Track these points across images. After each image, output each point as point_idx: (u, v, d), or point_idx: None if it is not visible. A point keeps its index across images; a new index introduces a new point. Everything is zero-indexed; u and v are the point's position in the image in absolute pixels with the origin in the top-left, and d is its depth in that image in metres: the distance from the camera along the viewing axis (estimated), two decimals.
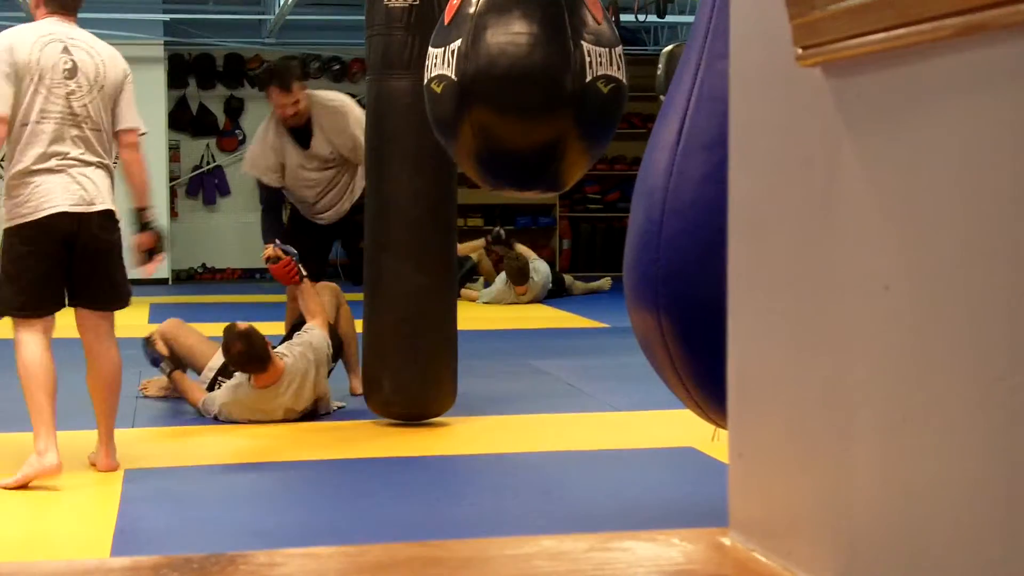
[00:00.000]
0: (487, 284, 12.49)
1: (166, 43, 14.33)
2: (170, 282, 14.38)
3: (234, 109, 15.35)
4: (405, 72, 5.55)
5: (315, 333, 6.24)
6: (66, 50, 4.92)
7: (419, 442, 5.64)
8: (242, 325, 6.01)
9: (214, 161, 15.36)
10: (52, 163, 4.83)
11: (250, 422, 6.03)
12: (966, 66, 1.08)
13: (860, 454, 1.25)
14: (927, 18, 1.10)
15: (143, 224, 5.18)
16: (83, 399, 5.10)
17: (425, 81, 4.42)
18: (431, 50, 4.39)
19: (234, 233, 15.20)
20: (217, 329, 6.51)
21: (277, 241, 6.52)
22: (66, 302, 5.02)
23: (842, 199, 1.28)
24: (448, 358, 5.87)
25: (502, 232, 12.61)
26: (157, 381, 6.69)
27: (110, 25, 12.79)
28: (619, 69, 4.41)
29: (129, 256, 5.14)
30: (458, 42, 4.23)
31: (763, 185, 1.46)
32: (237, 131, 15.41)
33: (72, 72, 4.90)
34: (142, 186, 5.16)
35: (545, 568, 1.39)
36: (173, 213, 14.77)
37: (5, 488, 4.74)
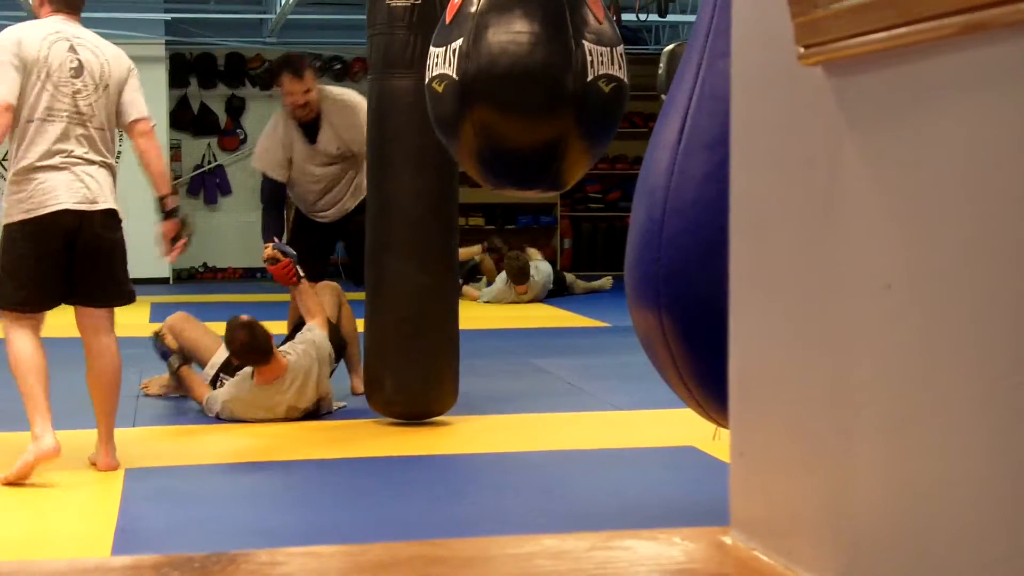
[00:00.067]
0: (489, 284, 12.49)
1: (167, 42, 14.33)
2: (171, 281, 14.38)
3: (235, 108, 15.35)
4: (407, 71, 5.54)
5: (317, 332, 6.25)
6: (72, 49, 4.94)
7: (420, 441, 5.64)
8: (245, 317, 6.03)
9: (215, 160, 15.36)
10: (56, 160, 4.84)
11: (252, 421, 6.02)
12: (968, 65, 1.08)
13: (862, 453, 1.25)
14: (929, 17, 1.10)
15: (166, 212, 5.19)
16: (83, 398, 5.10)
17: (426, 80, 4.42)
18: (432, 49, 4.39)
19: (235, 232, 15.20)
20: (219, 328, 6.52)
21: (276, 241, 6.53)
22: (65, 300, 5.02)
23: (844, 198, 1.28)
24: (450, 357, 5.87)
25: (497, 240, 12.64)
26: (159, 379, 6.70)
27: (111, 24, 12.79)
28: (620, 68, 4.41)
29: (152, 247, 5.19)
30: (459, 41, 4.23)
31: (765, 184, 1.46)
32: (238, 130, 15.41)
33: (78, 71, 4.91)
34: (160, 173, 5.18)
35: (547, 567, 1.39)
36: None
37: (7, 482, 4.74)
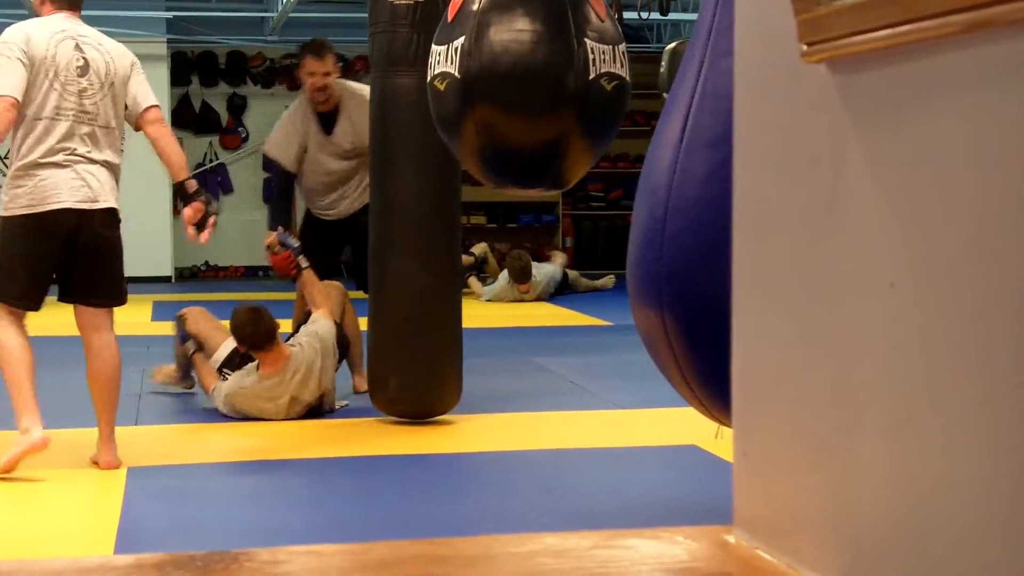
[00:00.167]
0: (492, 282, 12.51)
1: (169, 40, 14.33)
2: (173, 280, 14.38)
3: (237, 107, 15.35)
4: (410, 69, 5.53)
5: (322, 324, 6.25)
6: (78, 47, 4.95)
7: (422, 440, 5.64)
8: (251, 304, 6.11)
9: (217, 159, 15.36)
10: (59, 157, 4.85)
11: (254, 419, 6.02)
12: (971, 62, 1.08)
13: (865, 452, 1.25)
14: (932, 14, 1.09)
15: (188, 197, 5.16)
16: (84, 396, 5.10)
17: (428, 79, 4.42)
18: (434, 47, 4.39)
19: (237, 231, 15.20)
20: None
21: (280, 230, 6.54)
22: (64, 298, 5.03)
23: (847, 196, 1.27)
24: (453, 356, 5.86)
25: (477, 257, 12.67)
26: (167, 369, 6.71)
27: (113, 22, 12.78)
28: (622, 66, 4.41)
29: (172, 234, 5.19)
30: (461, 39, 4.23)
31: (768, 182, 1.45)
32: (240, 129, 15.41)
33: (84, 69, 4.92)
34: (177, 159, 5.15)
35: (549, 566, 1.39)
36: (176, 211, 14.76)
37: None
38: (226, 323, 6.37)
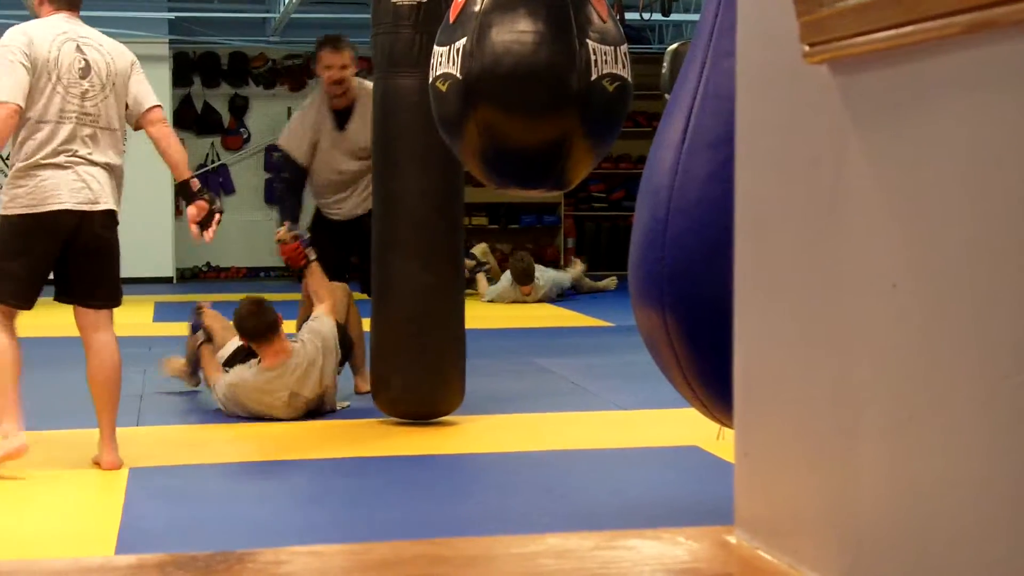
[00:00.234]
0: (494, 282, 12.51)
1: (170, 41, 14.33)
2: (174, 280, 14.38)
3: (239, 108, 15.35)
4: (412, 70, 5.53)
5: (324, 321, 6.26)
6: (79, 49, 4.95)
7: (424, 441, 5.64)
8: (255, 296, 6.18)
9: (219, 160, 15.37)
10: (61, 159, 4.86)
11: (252, 417, 6.02)
12: (974, 63, 1.08)
13: (866, 453, 1.25)
14: (934, 15, 1.09)
15: (191, 196, 5.18)
16: (85, 397, 5.10)
17: (430, 79, 4.42)
18: (436, 48, 4.39)
19: (238, 232, 15.20)
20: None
21: (289, 223, 6.57)
22: (61, 299, 5.04)
23: (849, 197, 1.28)
24: (456, 357, 5.86)
25: (477, 258, 12.66)
26: (177, 361, 6.72)
27: (114, 23, 12.78)
28: (624, 67, 4.41)
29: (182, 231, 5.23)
30: (463, 40, 4.23)
31: (769, 183, 1.46)
32: (242, 129, 15.41)
33: (86, 71, 4.93)
34: (180, 158, 5.17)
35: (550, 566, 1.39)
36: (177, 211, 14.77)
37: None
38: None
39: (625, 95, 4.45)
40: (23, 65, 4.82)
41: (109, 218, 4.96)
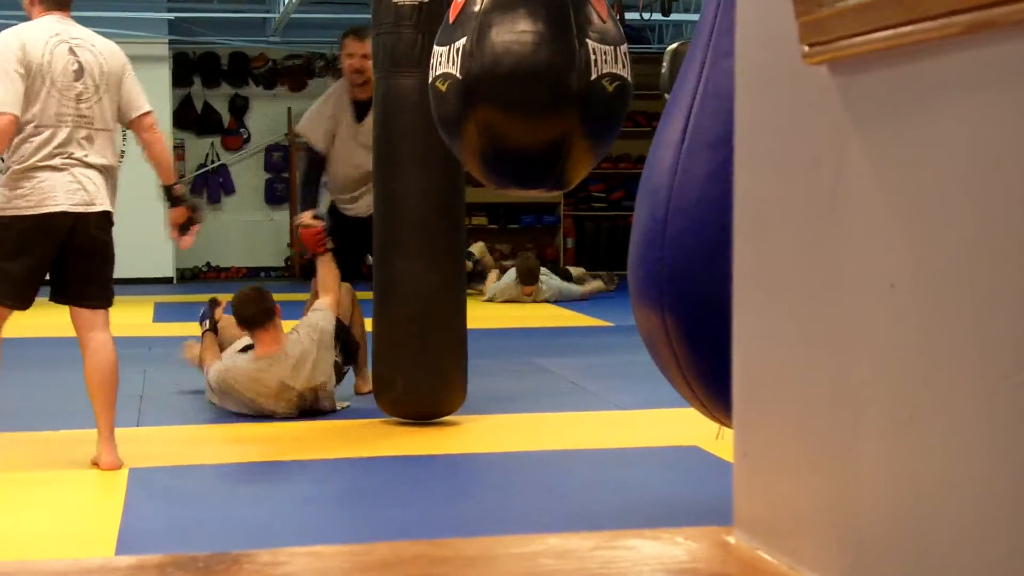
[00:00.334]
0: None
1: (171, 41, 14.34)
2: (174, 281, 14.38)
3: (239, 108, 15.36)
4: (414, 70, 5.53)
5: (323, 315, 6.27)
6: (72, 51, 4.95)
7: (424, 441, 5.64)
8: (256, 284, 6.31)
9: (219, 160, 15.37)
10: (56, 161, 4.86)
11: (252, 417, 6.03)
12: (974, 63, 1.08)
13: (866, 453, 1.25)
14: (935, 15, 1.09)
15: (173, 200, 5.24)
16: (84, 397, 5.10)
17: (430, 80, 4.42)
18: (436, 48, 4.39)
19: (239, 232, 15.21)
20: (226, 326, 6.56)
21: (312, 212, 6.59)
22: (56, 299, 5.06)
23: (848, 197, 1.28)
24: (458, 356, 5.87)
25: (475, 257, 12.66)
26: (196, 351, 6.73)
27: (114, 24, 12.79)
28: (624, 67, 4.41)
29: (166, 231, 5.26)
30: (463, 40, 4.23)
31: (769, 183, 1.46)
32: (242, 130, 15.42)
33: (79, 73, 4.93)
34: (167, 163, 5.27)
35: (550, 566, 1.39)
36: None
37: None
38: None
39: (625, 95, 4.45)
40: (17, 73, 4.83)
41: (104, 219, 4.98)
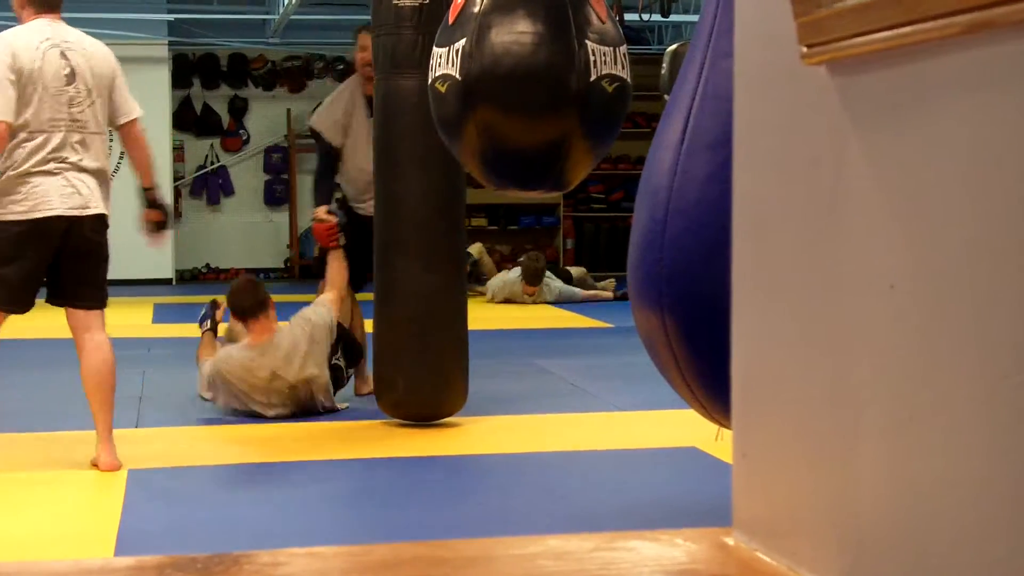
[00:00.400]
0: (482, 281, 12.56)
1: (170, 43, 14.34)
2: (174, 282, 14.38)
3: (238, 109, 15.36)
4: (414, 71, 5.52)
5: (318, 310, 6.28)
6: (63, 55, 4.96)
7: (424, 442, 5.64)
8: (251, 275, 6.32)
9: (218, 161, 15.37)
10: (51, 166, 4.89)
11: (245, 415, 6.02)
12: (973, 64, 1.08)
13: (865, 453, 1.25)
14: (933, 16, 1.09)
15: (150, 202, 5.26)
16: (84, 398, 5.10)
17: (429, 81, 4.42)
18: (435, 50, 4.39)
19: (238, 233, 15.21)
20: (220, 329, 6.55)
21: (327, 207, 6.59)
22: (51, 301, 5.07)
23: (848, 198, 1.27)
24: (459, 358, 5.86)
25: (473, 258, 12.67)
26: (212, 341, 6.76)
27: (114, 25, 12.79)
28: (623, 68, 4.41)
29: (138, 227, 5.28)
30: (462, 42, 4.23)
31: (768, 184, 1.46)
32: (241, 131, 15.42)
33: (71, 78, 4.94)
34: (148, 168, 5.27)
35: (550, 568, 1.38)
36: (177, 213, 14.78)
37: None
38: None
39: (624, 96, 4.45)
40: (9, 80, 4.83)
41: (99, 222, 5.00)
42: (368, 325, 6.37)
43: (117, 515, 4.42)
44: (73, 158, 4.92)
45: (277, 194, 15.47)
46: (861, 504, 1.26)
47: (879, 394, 1.22)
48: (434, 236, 5.75)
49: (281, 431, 5.89)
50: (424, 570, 1.38)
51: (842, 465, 1.29)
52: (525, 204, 15.12)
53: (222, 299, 6.60)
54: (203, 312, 6.61)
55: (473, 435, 5.81)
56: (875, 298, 1.22)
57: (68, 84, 4.93)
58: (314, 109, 7.26)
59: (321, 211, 6.54)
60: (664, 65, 5.31)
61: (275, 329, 6.14)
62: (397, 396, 5.80)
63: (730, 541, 1.48)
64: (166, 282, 14.10)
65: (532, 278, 11.80)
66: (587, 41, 4.28)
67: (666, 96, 3.71)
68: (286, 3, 13.00)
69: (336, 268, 6.47)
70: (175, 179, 14.69)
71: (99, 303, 5.06)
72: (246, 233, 15.16)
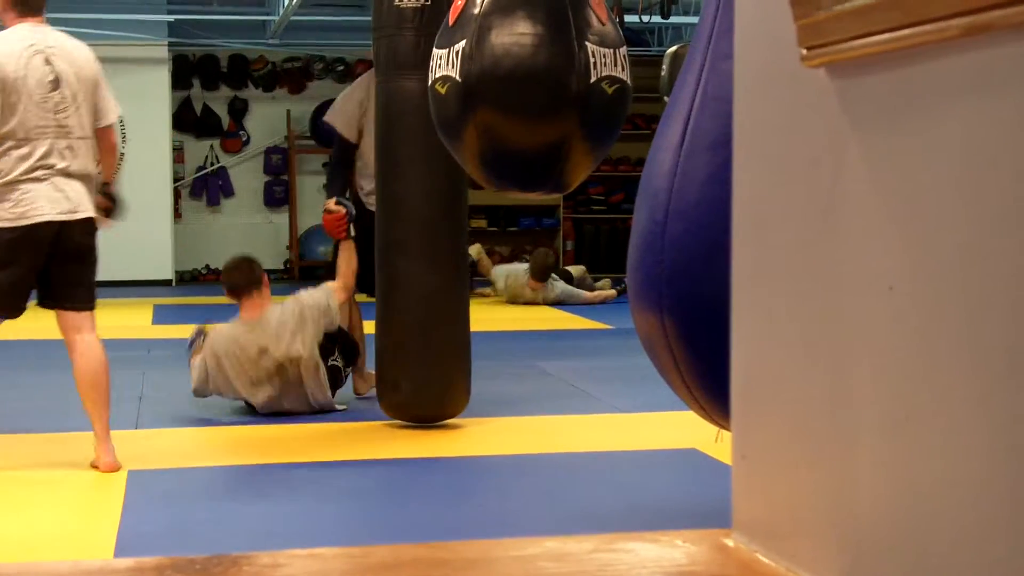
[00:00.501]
0: (486, 284, 12.54)
1: (170, 44, 14.33)
2: (174, 283, 14.38)
3: (238, 110, 15.35)
4: (416, 73, 5.51)
5: (317, 293, 6.30)
6: (47, 61, 4.96)
7: (423, 444, 5.64)
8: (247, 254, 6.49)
9: (218, 162, 15.37)
10: (38, 173, 4.91)
11: (245, 415, 6.03)
12: (971, 66, 1.08)
13: (864, 454, 1.25)
14: (932, 19, 1.10)
15: (106, 194, 5.28)
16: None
17: (429, 82, 4.42)
18: (435, 51, 4.39)
19: (238, 234, 15.20)
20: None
21: (336, 199, 6.60)
22: (42, 304, 5.08)
23: (846, 199, 1.28)
24: (461, 359, 5.86)
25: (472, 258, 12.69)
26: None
27: (114, 26, 12.79)
28: (623, 70, 4.41)
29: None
30: (462, 43, 4.23)
31: (767, 185, 1.46)
32: (241, 132, 15.42)
33: (56, 83, 4.95)
34: (112, 168, 5.31)
35: (549, 569, 1.39)
36: (177, 214, 14.78)
37: None
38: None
39: (624, 97, 4.45)
40: None
41: (88, 225, 5.03)
42: (369, 326, 6.37)
43: (117, 516, 4.43)
44: (60, 164, 4.94)
45: (277, 195, 15.47)
46: (860, 505, 1.26)
47: (878, 395, 1.22)
48: (436, 237, 5.76)
49: (281, 432, 5.89)
50: (424, 571, 1.38)
51: (841, 466, 1.29)
52: (525, 205, 15.12)
53: (210, 327, 6.60)
54: (191, 339, 6.57)
55: (473, 437, 5.81)
56: (874, 299, 1.22)
57: (53, 90, 4.95)
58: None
59: (330, 202, 6.55)
60: (664, 67, 5.31)
61: (267, 306, 6.20)
62: (400, 398, 5.80)
63: (730, 542, 1.48)
64: (166, 283, 14.10)
65: (540, 274, 11.82)
66: (587, 43, 4.28)
67: (666, 98, 3.72)
68: (286, 4, 13.00)
69: (345, 259, 6.47)
70: (175, 180, 14.70)
71: (89, 304, 5.08)
72: (246, 234, 15.15)
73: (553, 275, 12.11)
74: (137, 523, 4.36)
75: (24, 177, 4.89)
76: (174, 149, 14.72)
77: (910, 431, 1.17)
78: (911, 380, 1.17)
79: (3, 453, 5.34)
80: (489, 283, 12.60)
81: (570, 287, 12.22)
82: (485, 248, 13.94)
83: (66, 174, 4.96)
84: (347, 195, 6.76)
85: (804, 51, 1.31)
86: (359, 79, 6.93)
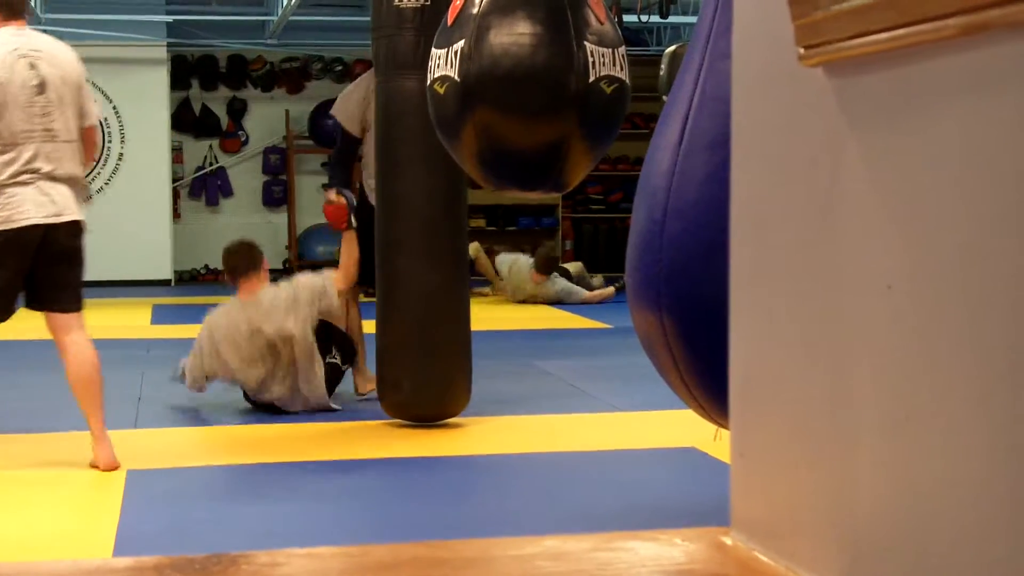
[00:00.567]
0: (484, 283, 12.55)
1: (169, 44, 14.33)
2: (173, 283, 14.38)
3: (237, 110, 15.35)
4: (415, 72, 5.51)
5: (315, 278, 6.37)
6: (32, 66, 4.97)
7: (422, 443, 5.64)
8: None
9: (217, 162, 15.37)
10: (24, 177, 4.92)
11: (245, 416, 6.03)
12: (969, 66, 1.08)
13: (863, 453, 1.25)
14: (929, 18, 1.10)
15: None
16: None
17: (428, 82, 4.42)
18: (434, 51, 4.39)
19: (237, 234, 15.07)
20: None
21: (337, 189, 6.62)
22: (30, 306, 5.09)
23: (845, 199, 1.28)
24: (463, 358, 5.86)
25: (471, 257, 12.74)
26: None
27: (113, 26, 12.78)
28: (622, 69, 4.41)
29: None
30: (461, 43, 4.23)
31: (766, 185, 1.46)
32: (240, 132, 15.41)
33: (41, 88, 4.95)
34: (89, 163, 5.34)
35: (548, 568, 1.39)
36: (176, 214, 14.78)
37: None
38: None
39: (623, 97, 4.45)
40: None
41: (75, 227, 5.04)
42: (370, 325, 6.36)
43: (116, 515, 4.43)
44: (46, 168, 4.95)
45: (276, 195, 15.46)
46: (859, 504, 1.26)
47: (877, 394, 1.23)
48: (436, 236, 5.76)
49: (280, 432, 5.90)
50: (423, 571, 1.38)
51: (840, 465, 1.29)
52: (524, 205, 15.12)
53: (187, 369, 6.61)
54: (180, 371, 6.55)
55: (472, 436, 5.81)
56: (873, 299, 1.22)
57: (38, 95, 4.95)
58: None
59: (331, 193, 6.56)
60: (662, 66, 5.32)
61: (264, 287, 6.31)
62: (401, 397, 5.80)
63: (728, 541, 1.48)
64: (165, 283, 14.09)
65: (544, 266, 11.91)
66: (586, 42, 4.28)
67: (664, 97, 3.72)
68: (285, 4, 13.00)
69: (346, 249, 6.47)
70: (174, 180, 14.69)
71: (77, 306, 5.09)
72: (244, 234, 14.99)
73: (554, 273, 12.15)
74: (136, 522, 4.36)
75: (10, 181, 4.90)
76: (173, 149, 14.71)
77: (910, 431, 1.17)
78: (911, 380, 1.17)
79: (2, 453, 5.34)
80: (487, 283, 12.60)
81: (570, 284, 12.25)
82: (484, 248, 13.94)
83: (52, 178, 4.97)
84: (349, 188, 6.78)
85: (802, 50, 1.31)
86: (359, 78, 6.93)
